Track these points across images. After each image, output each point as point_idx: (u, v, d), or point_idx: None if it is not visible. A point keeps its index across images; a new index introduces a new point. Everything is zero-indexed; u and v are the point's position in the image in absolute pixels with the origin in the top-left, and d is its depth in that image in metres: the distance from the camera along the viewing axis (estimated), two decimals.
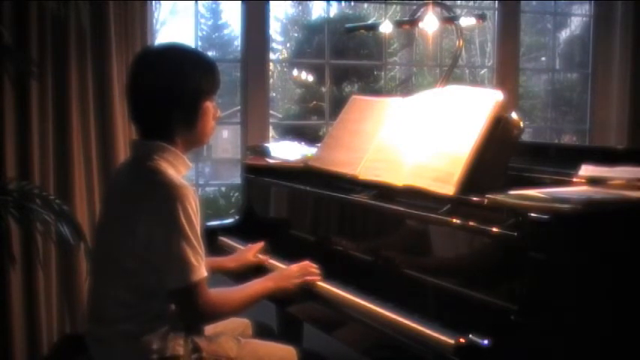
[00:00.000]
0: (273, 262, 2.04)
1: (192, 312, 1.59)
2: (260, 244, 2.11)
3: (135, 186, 1.62)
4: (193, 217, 1.55)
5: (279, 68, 9.84)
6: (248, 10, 3.40)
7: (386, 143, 1.97)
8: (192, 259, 1.53)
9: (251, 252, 2.09)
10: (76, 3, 2.52)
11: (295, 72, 8.85)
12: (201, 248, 1.57)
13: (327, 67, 3.93)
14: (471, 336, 1.33)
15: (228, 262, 2.07)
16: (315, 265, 1.85)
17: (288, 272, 1.84)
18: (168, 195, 1.53)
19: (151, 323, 1.61)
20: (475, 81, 7.06)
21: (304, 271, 1.83)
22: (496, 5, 3.97)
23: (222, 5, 10.19)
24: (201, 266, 1.55)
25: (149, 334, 1.60)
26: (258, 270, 2.01)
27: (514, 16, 3.94)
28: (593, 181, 1.73)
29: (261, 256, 2.07)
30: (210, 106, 1.69)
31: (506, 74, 3.92)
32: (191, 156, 1.78)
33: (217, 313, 1.66)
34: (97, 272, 1.73)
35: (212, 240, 2.39)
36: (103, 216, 1.77)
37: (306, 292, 1.81)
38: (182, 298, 1.57)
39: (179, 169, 1.65)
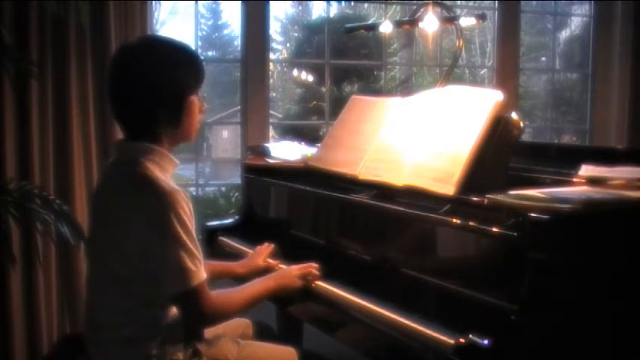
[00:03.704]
0: (282, 266, 1.98)
1: (195, 315, 1.57)
2: (269, 248, 2.05)
3: (123, 195, 1.56)
4: (187, 221, 1.50)
5: (279, 68, 9.84)
6: (248, 10, 3.40)
7: (386, 143, 1.97)
8: (190, 265, 1.49)
9: (260, 257, 2.02)
10: (76, 3, 2.52)
11: (295, 72, 8.86)
12: (198, 251, 1.53)
13: (327, 67, 3.92)
14: (471, 336, 1.33)
15: (238, 267, 2.01)
16: (315, 266, 1.83)
17: (290, 271, 1.83)
18: (159, 204, 1.48)
19: (150, 329, 1.59)
20: (475, 81, 7.05)
21: (306, 271, 1.82)
22: (496, 5, 3.96)
23: (222, 5, 10.16)
24: (199, 270, 1.52)
25: (148, 339, 1.59)
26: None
27: (514, 16, 3.94)
28: (593, 181, 1.73)
29: (270, 261, 2.01)
30: (195, 100, 1.62)
31: (506, 74, 3.91)
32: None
33: (220, 315, 1.63)
34: (92, 281, 1.69)
35: (212, 240, 2.40)
36: (92, 225, 1.72)
37: (306, 292, 1.81)
38: (184, 302, 1.55)
39: (166, 168, 1.59)
